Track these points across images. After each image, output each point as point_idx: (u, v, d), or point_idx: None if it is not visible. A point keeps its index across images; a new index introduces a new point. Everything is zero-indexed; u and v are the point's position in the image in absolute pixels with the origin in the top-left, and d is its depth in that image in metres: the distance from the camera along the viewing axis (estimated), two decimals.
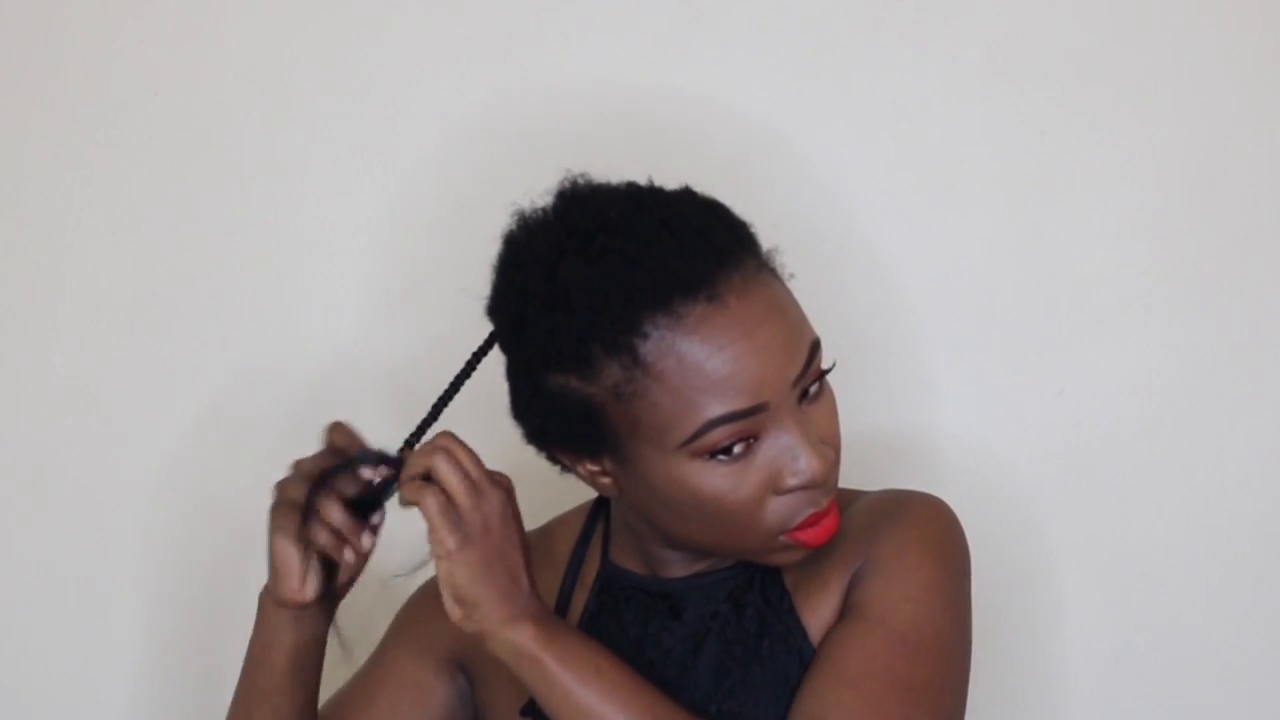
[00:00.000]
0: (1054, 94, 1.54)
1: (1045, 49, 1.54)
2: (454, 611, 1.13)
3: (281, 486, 1.20)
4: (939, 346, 1.56)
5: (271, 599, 1.21)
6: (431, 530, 1.13)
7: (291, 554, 1.18)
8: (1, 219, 1.65)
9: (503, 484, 1.15)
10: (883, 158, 1.56)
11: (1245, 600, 1.56)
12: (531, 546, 1.20)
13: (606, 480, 1.19)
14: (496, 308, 1.19)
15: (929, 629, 1.17)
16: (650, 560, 1.25)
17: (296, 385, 1.61)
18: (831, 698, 1.14)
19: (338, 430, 1.21)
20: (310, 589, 1.19)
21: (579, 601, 1.28)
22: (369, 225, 1.60)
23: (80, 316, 1.63)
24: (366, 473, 1.18)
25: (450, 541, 1.12)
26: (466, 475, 1.13)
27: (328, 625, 1.24)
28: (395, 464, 1.18)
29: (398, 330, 1.61)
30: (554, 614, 1.17)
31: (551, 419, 1.17)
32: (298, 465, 1.20)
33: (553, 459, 1.21)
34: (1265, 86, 1.53)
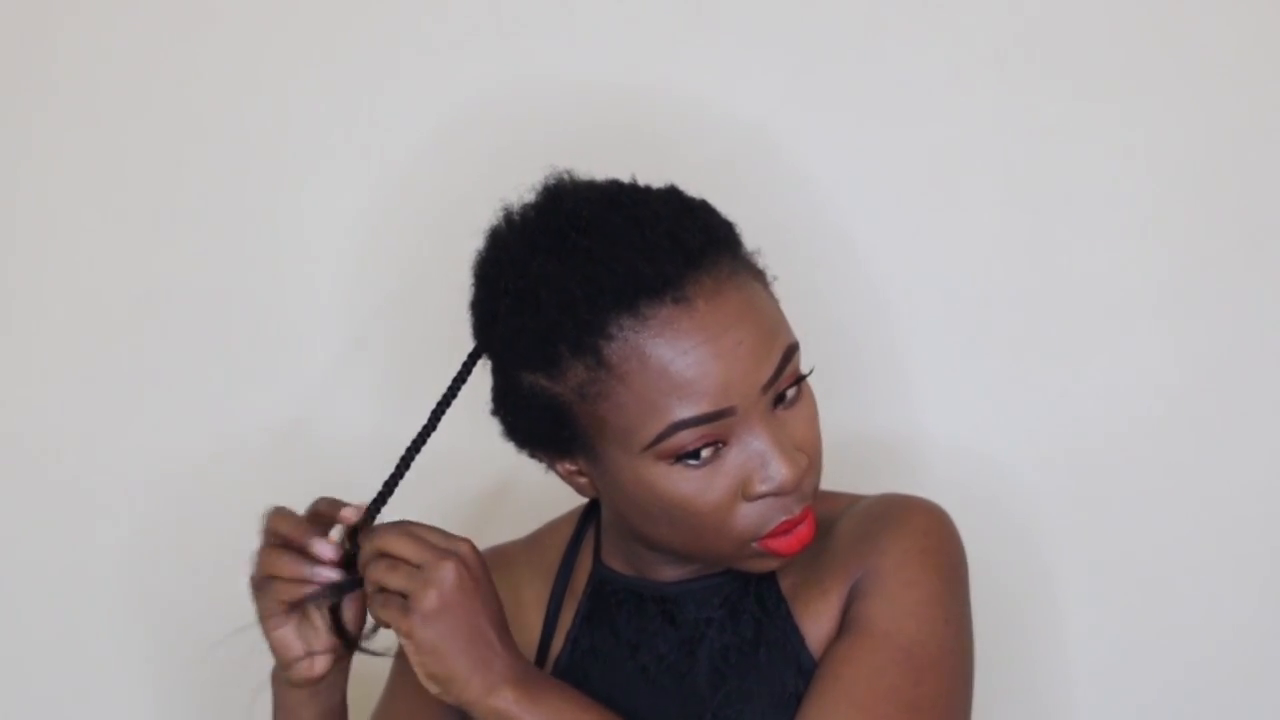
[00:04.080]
0: (1057, 94, 1.51)
1: (1047, 48, 1.51)
2: (431, 688, 1.12)
3: (253, 580, 1.17)
4: (941, 348, 1.54)
5: (285, 681, 1.19)
6: (390, 623, 1.11)
7: (289, 634, 1.16)
8: None
9: (456, 550, 1.11)
10: (884, 157, 1.54)
11: (1250, 606, 1.54)
12: (519, 557, 1.20)
13: (583, 480, 1.18)
14: (474, 303, 1.19)
15: (934, 645, 1.16)
16: (639, 564, 1.24)
17: (291, 386, 1.62)
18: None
19: (281, 519, 1.16)
20: (320, 662, 1.17)
21: (570, 608, 1.27)
22: (363, 223, 1.60)
23: (74, 318, 1.65)
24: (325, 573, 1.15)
25: (406, 625, 1.10)
26: (406, 561, 1.11)
27: (345, 685, 1.22)
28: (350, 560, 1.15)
29: (392, 330, 1.61)
30: (535, 671, 1.14)
31: (523, 416, 1.16)
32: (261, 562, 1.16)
33: (533, 456, 1.20)
34: (1272, 86, 1.50)
